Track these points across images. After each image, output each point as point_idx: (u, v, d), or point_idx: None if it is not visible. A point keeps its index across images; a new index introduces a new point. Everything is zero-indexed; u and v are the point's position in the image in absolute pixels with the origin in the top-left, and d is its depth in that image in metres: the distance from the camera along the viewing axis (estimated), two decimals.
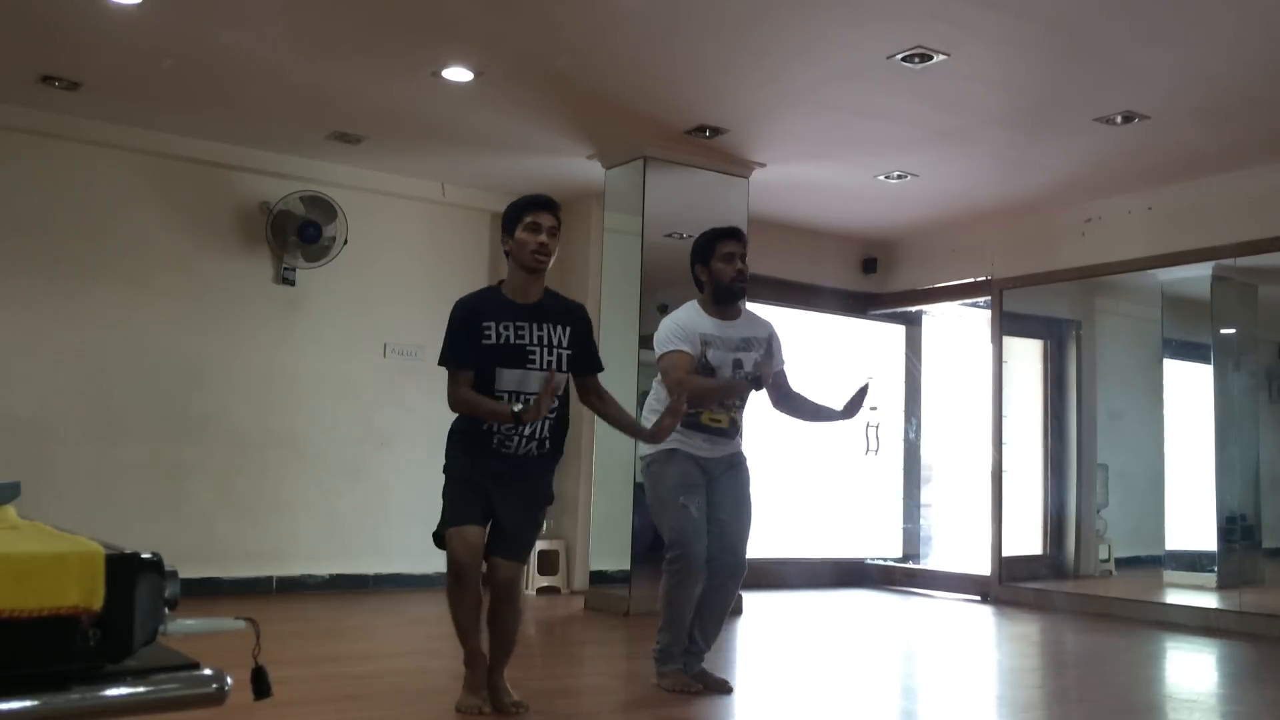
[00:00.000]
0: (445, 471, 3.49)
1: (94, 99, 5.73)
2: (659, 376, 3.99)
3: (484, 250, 7.45)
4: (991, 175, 6.64)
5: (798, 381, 4.19)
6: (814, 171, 6.69)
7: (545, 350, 3.43)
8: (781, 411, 4.16)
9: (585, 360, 3.55)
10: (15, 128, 5.91)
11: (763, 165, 6.52)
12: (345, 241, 6.71)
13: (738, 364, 3.97)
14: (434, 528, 3.47)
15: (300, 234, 6.53)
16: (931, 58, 4.81)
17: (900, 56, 4.81)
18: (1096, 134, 5.73)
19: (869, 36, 4.65)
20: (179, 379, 6.32)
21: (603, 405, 3.67)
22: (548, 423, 3.42)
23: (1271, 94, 5.15)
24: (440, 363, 3.44)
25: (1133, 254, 6.87)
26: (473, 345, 3.38)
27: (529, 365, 3.40)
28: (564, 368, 3.45)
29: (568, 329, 3.47)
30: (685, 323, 4.00)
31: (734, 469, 4.05)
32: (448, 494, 3.46)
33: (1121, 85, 5.11)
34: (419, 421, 7.10)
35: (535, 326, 3.43)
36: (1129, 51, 4.74)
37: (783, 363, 4.14)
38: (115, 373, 6.15)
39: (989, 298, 7.77)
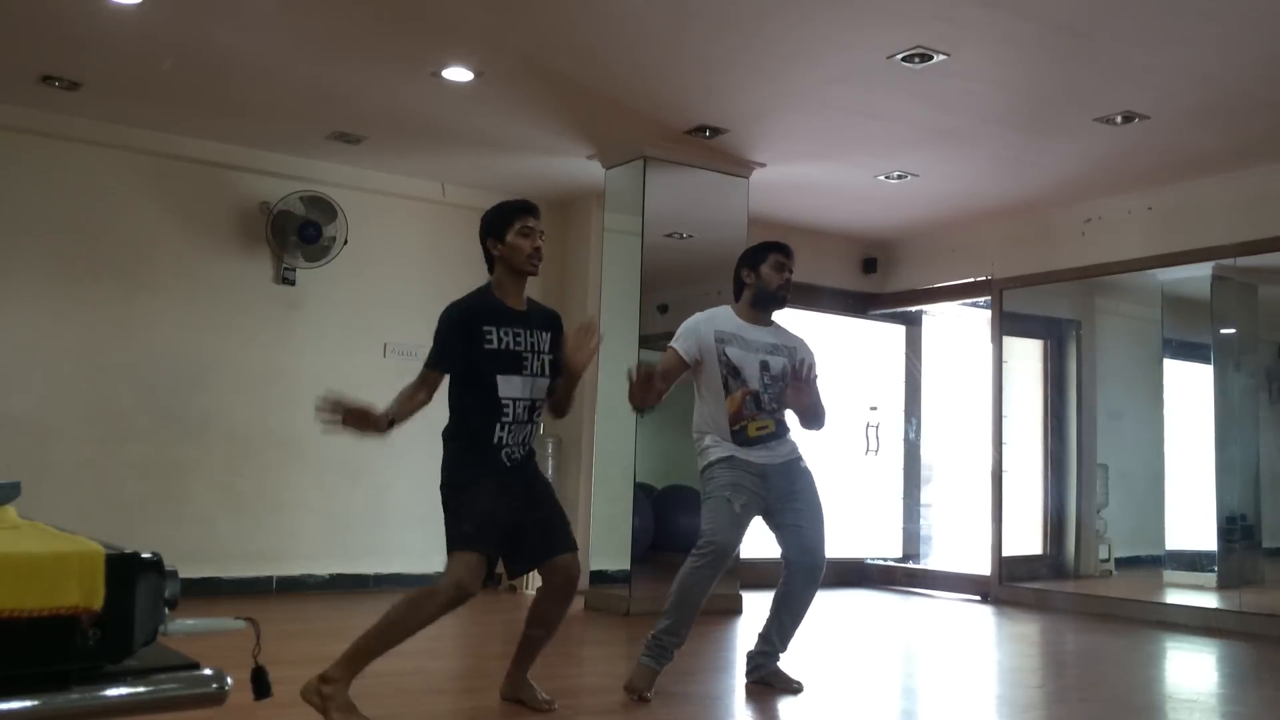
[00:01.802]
0: (453, 485, 3.38)
1: (94, 99, 5.73)
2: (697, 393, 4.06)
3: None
4: (991, 175, 6.64)
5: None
6: (814, 171, 6.69)
7: (535, 357, 3.43)
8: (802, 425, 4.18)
9: (559, 366, 3.54)
10: (15, 128, 5.91)
11: (763, 165, 6.52)
12: (345, 241, 6.71)
13: (764, 366, 3.98)
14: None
15: (300, 234, 6.53)
16: (931, 58, 4.81)
17: (900, 56, 4.81)
18: (1096, 134, 5.73)
19: (869, 36, 4.65)
20: (179, 379, 6.32)
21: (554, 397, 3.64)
22: (536, 426, 3.45)
23: (1271, 94, 5.15)
24: (429, 365, 3.42)
25: (1133, 254, 6.87)
26: (468, 351, 3.35)
27: (524, 372, 3.39)
28: (546, 373, 3.44)
29: (548, 335, 3.48)
30: (701, 319, 4.06)
31: (799, 474, 4.02)
32: (463, 508, 3.31)
33: (1121, 85, 5.11)
34: (419, 421, 7.07)
35: (528, 333, 3.43)
36: (1129, 51, 4.74)
37: (815, 379, 4.07)
38: (115, 373, 6.15)
39: (989, 298, 7.77)
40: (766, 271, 4.06)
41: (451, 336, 3.39)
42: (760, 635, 4.14)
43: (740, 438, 3.93)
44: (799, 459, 4.06)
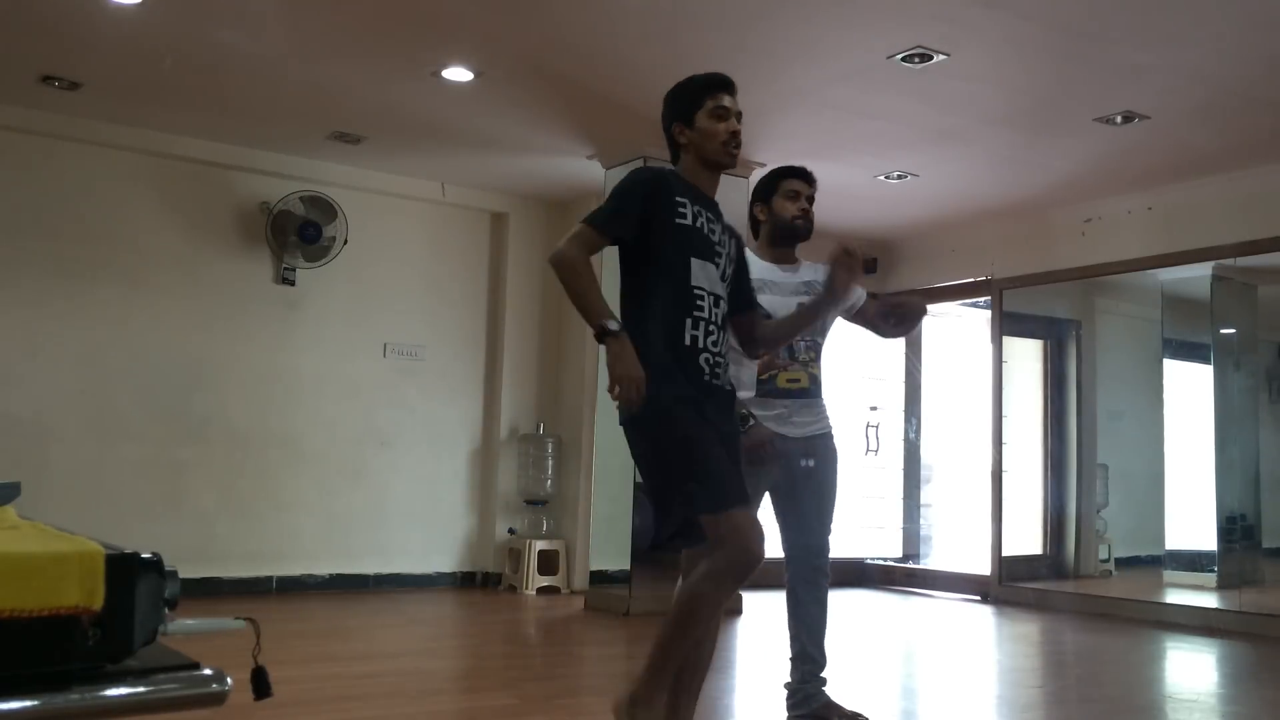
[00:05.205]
0: (656, 409, 2.52)
1: (94, 99, 5.73)
2: None
3: (484, 250, 7.45)
4: (991, 175, 6.64)
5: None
6: (815, 171, 6.66)
7: (725, 256, 2.73)
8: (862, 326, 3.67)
9: (745, 288, 2.86)
10: (15, 128, 5.91)
11: (763, 165, 6.51)
12: (345, 241, 6.71)
13: None
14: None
15: (300, 234, 6.53)
16: (931, 58, 4.81)
17: (900, 56, 4.81)
18: (1096, 134, 5.73)
19: (869, 36, 4.65)
20: (179, 379, 6.32)
21: (756, 341, 2.91)
22: (726, 342, 2.72)
23: (1271, 94, 5.15)
24: (591, 219, 2.64)
25: (1133, 254, 6.87)
26: (649, 221, 2.64)
27: (716, 262, 2.69)
28: (729, 280, 2.76)
29: (734, 242, 2.81)
30: None
31: (824, 453, 3.49)
32: (690, 451, 2.53)
33: (1121, 85, 5.11)
34: (419, 421, 7.11)
35: (722, 227, 2.76)
36: (1129, 51, 4.74)
37: (862, 296, 3.66)
38: (115, 373, 6.16)
39: (989, 298, 7.77)
40: (780, 202, 3.56)
41: (631, 196, 2.66)
42: (791, 660, 3.51)
43: (767, 388, 3.41)
44: (828, 434, 3.53)
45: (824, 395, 3.60)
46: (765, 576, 2.71)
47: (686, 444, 2.53)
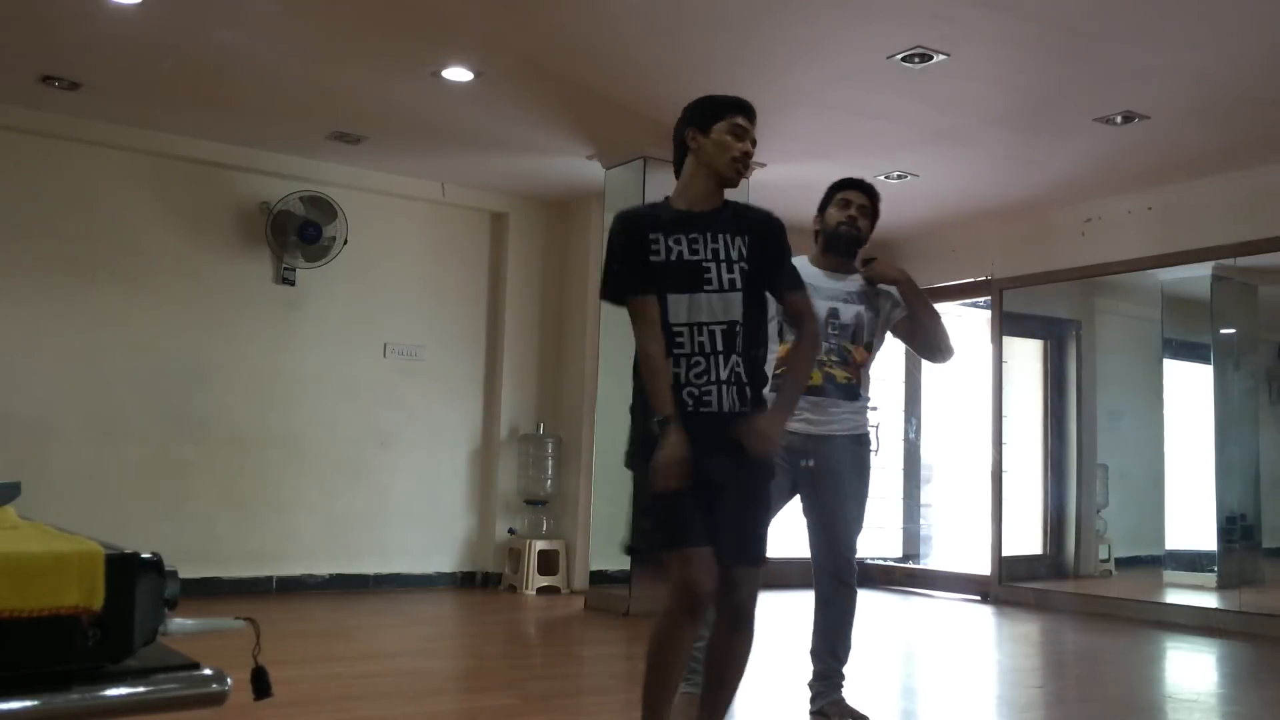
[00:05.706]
0: (633, 453, 2.72)
1: (94, 99, 5.73)
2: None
3: (484, 250, 7.45)
4: (991, 175, 6.64)
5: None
6: (815, 171, 6.66)
7: (723, 267, 2.65)
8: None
9: (770, 278, 2.73)
10: (15, 128, 5.91)
11: (763, 165, 6.51)
12: (345, 241, 6.71)
13: (833, 314, 3.54)
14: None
15: (300, 234, 6.53)
16: (931, 58, 4.81)
17: (900, 56, 4.82)
18: (1096, 134, 5.73)
19: (869, 36, 4.65)
20: (179, 379, 6.32)
21: (793, 348, 2.86)
22: (740, 361, 2.65)
23: (1271, 94, 5.15)
24: (602, 294, 2.78)
25: (1133, 254, 6.87)
26: (642, 266, 2.67)
27: (705, 287, 2.64)
28: (739, 287, 2.66)
29: (745, 238, 2.69)
30: None
31: (846, 453, 3.50)
32: (649, 487, 2.64)
33: (1121, 85, 5.11)
34: (419, 422, 7.11)
35: (710, 237, 2.67)
36: (1129, 51, 4.74)
37: (900, 313, 3.75)
38: (115, 373, 6.16)
39: (989, 298, 7.77)
40: (830, 211, 3.61)
41: (615, 255, 2.74)
42: (811, 654, 3.71)
43: (775, 383, 3.22)
44: (850, 436, 3.55)
45: (860, 400, 3.62)
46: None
47: (644, 485, 2.64)
